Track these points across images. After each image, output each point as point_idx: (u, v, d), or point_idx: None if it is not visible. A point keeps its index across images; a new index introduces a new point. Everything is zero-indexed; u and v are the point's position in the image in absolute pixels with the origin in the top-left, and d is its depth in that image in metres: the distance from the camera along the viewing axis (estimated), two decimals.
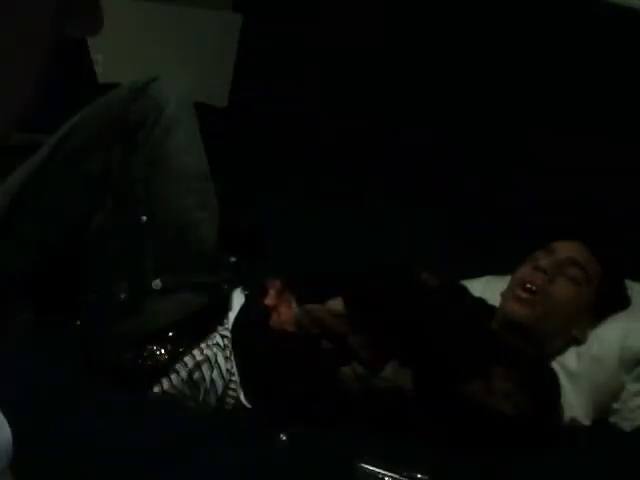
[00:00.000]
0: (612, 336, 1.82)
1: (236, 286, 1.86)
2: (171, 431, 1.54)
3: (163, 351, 1.68)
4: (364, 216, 2.33)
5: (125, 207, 1.74)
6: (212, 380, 1.69)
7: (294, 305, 1.81)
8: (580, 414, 1.77)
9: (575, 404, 1.77)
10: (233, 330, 1.75)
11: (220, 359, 1.70)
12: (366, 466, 1.45)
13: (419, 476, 1.45)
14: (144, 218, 1.72)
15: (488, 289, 1.99)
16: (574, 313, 1.82)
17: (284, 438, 1.57)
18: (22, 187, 1.75)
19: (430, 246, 2.21)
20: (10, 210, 1.75)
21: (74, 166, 1.75)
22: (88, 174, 1.75)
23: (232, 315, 1.78)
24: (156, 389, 1.67)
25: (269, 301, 1.80)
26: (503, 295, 1.88)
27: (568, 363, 1.82)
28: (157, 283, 1.71)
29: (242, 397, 1.70)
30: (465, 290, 1.93)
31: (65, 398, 1.55)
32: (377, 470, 1.45)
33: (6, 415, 0.88)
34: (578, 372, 1.80)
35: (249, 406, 1.69)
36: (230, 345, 1.73)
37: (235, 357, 1.72)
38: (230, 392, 1.70)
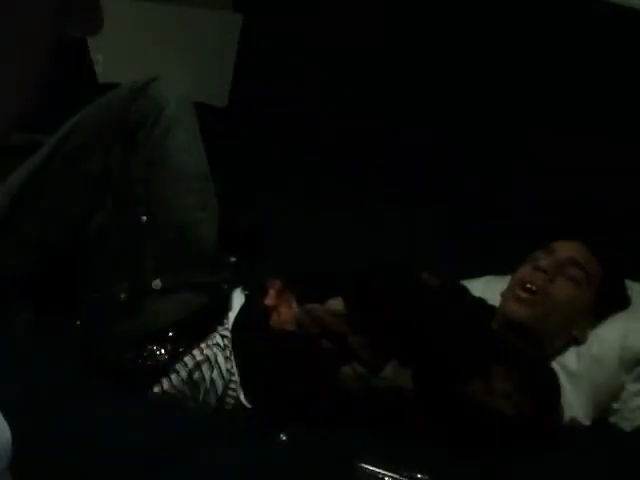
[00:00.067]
0: (612, 336, 1.82)
1: (236, 286, 1.86)
2: (171, 431, 1.54)
3: (163, 351, 1.68)
4: (364, 216, 2.33)
5: (125, 207, 1.74)
6: (212, 380, 1.69)
7: (294, 305, 1.81)
8: (580, 414, 1.77)
9: (575, 404, 1.77)
10: (233, 330, 1.75)
11: (220, 359, 1.70)
12: (366, 466, 1.45)
13: (419, 476, 1.45)
14: (144, 218, 1.72)
15: (488, 289, 1.99)
16: (574, 313, 1.82)
17: (284, 438, 1.57)
18: (22, 187, 1.75)
19: (430, 246, 2.21)
20: (10, 210, 1.75)
21: (74, 166, 1.75)
22: (88, 174, 1.75)
23: (232, 315, 1.78)
24: (156, 389, 1.67)
25: (269, 301, 1.80)
26: (503, 295, 1.88)
27: (568, 363, 1.82)
28: (157, 283, 1.71)
29: (242, 397, 1.70)
30: (465, 290, 1.93)
31: (65, 398, 1.55)
32: (377, 470, 1.45)
33: (6, 415, 0.88)
34: (578, 372, 1.80)
35: (249, 406, 1.69)
36: (230, 345, 1.73)
37: (235, 357, 1.72)
38: (230, 392, 1.70)
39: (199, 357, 1.69)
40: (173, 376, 1.68)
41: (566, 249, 1.86)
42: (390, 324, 1.69)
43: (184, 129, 1.76)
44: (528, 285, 1.81)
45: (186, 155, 1.76)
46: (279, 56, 2.90)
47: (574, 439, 1.72)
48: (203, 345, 1.71)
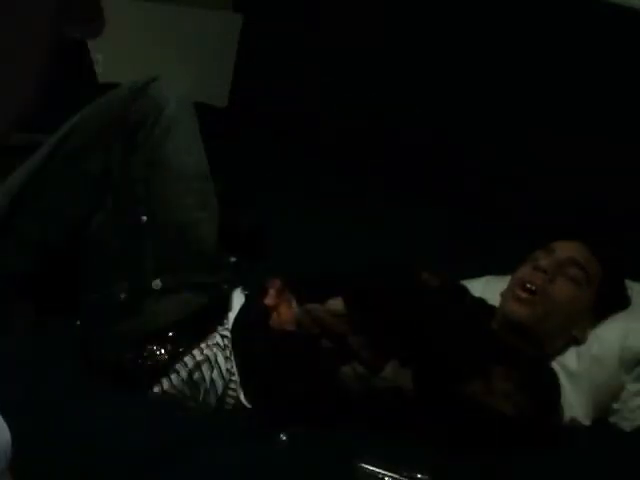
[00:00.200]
0: (612, 336, 1.82)
1: (236, 286, 1.86)
2: (171, 431, 1.54)
3: (163, 351, 1.68)
4: (364, 216, 2.33)
5: (125, 207, 1.74)
6: (212, 380, 1.69)
7: (294, 305, 1.81)
8: (580, 414, 1.77)
9: (575, 404, 1.77)
10: (233, 330, 1.75)
11: (220, 359, 1.70)
12: (366, 466, 1.45)
13: (419, 476, 1.45)
14: (144, 218, 1.72)
15: (488, 289, 1.99)
16: (574, 313, 1.82)
17: (284, 438, 1.57)
18: (22, 187, 1.76)
19: (430, 246, 2.21)
20: (10, 210, 1.75)
21: (74, 166, 1.75)
22: (88, 174, 1.75)
23: (232, 315, 1.78)
24: (156, 389, 1.67)
25: (269, 301, 1.80)
26: (503, 295, 1.88)
27: (568, 363, 1.82)
28: (157, 283, 1.71)
29: (242, 397, 1.70)
30: (465, 290, 1.93)
31: (65, 398, 1.56)
32: (377, 470, 1.45)
33: (6, 415, 0.88)
34: (578, 372, 1.80)
35: (249, 406, 1.69)
36: (230, 345, 1.73)
37: (235, 357, 1.72)
38: (230, 392, 1.70)
39: (199, 357, 1.69)
40: (173, 376, 1.68)
41: (566, 249, 1.86)
42: (390, 324, 1.69)
43: (184, 129, 1.76)
44: (528, 285, 1.81)
45: (186, 155, 1.76)
46: (279, 56, 2.90)
47: (574, 439, 1.72)
48: (203, 345, 1.71)
